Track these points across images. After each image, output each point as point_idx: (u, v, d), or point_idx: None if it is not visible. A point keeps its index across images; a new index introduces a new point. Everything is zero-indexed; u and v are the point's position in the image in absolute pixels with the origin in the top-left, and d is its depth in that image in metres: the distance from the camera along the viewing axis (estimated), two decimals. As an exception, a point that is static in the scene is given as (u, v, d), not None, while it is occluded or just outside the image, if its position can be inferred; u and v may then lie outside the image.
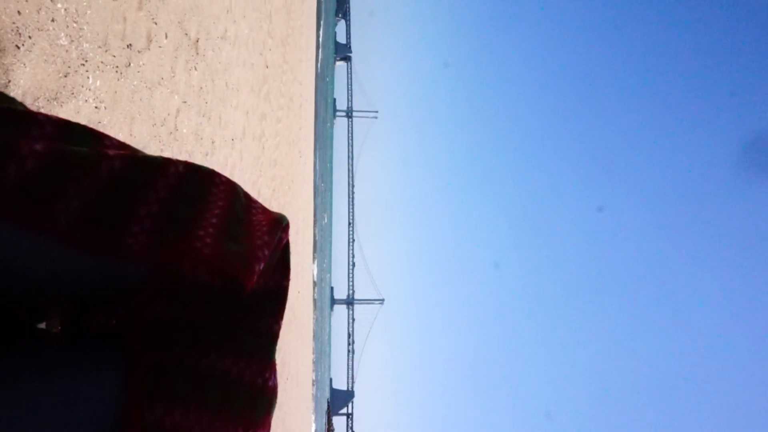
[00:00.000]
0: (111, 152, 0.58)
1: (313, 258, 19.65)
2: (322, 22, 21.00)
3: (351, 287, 41.13)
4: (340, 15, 42.35)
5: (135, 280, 0.62)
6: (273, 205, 8.58)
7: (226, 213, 0.65)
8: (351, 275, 41.06)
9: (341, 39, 42.68)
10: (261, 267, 0.62)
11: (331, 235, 37.50)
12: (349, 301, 41.07)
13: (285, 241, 0.74)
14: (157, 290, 0.64)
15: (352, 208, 41.11)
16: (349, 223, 41.03)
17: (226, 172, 4.45)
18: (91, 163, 0.56)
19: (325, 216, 32.47)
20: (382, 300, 42.16)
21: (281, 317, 0.72)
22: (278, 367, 0.73)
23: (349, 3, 43.01)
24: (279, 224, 0.71)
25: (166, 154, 2.70)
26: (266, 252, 0.64)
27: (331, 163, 35.85)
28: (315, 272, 20.35)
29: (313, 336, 21.64)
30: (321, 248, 26.58)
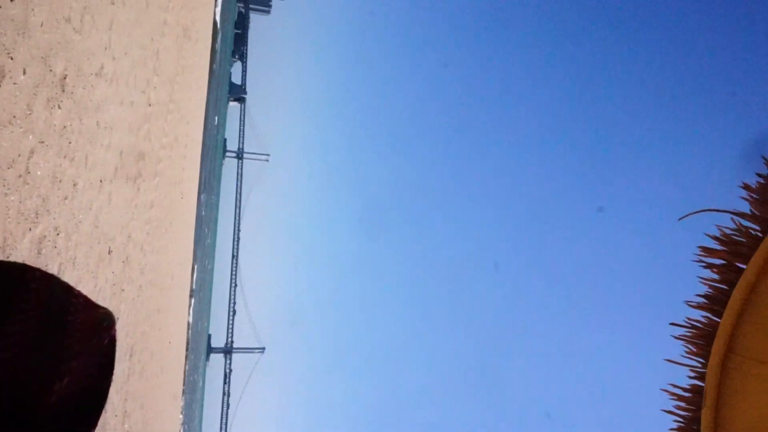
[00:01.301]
0: None
1: (189, 305, 18.46)
2: (216, 62, 20.66)
3: (230, 335, 39.05)
4: (236, 56, 42.04)
5: None
6: (146, 249, 8.00)
7: (31, 321, 0.59)
8: (231, 323, 39.07)
9: (237, 80, 42.23)
10: (64, 383, 0.57)
11: (212, 281, 35.62)
12: (227, 350, 38.85)
13: (107, 340, 0.69)
14: None
15: (237, 253, 39.62)
16: (233, 268, 39.39)
17: (89, 217, 4.10)
18: None
19: (207, 260, 30.88)
20: (263, 349, 40.44)
21: (95, 423, 0.67)
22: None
23: (246, 45, 42.94)
24: (99, 325, 0.67)
25: (11, 199, 2.41)
26: (73, 364, 0.59)
27: (217, 205, 34.53)
28: (190, 320, 19.08)
29: (184, 389, 20.04)
30: (199, 294, 25.09)
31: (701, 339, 3.10)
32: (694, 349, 3.14)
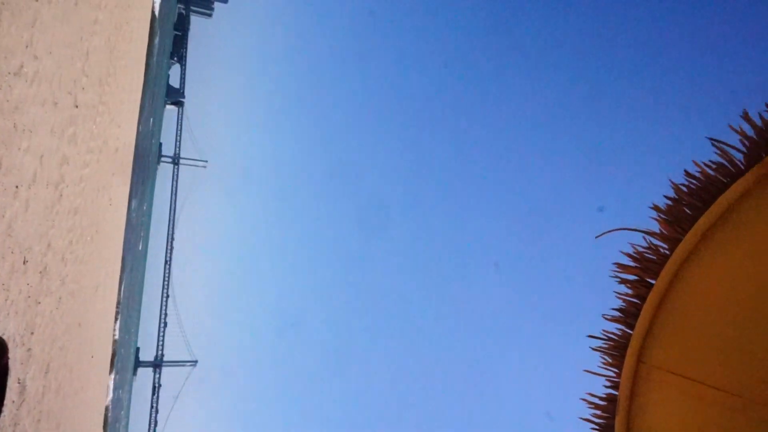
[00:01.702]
0: None
1: (116, 316, 17.55)
2: (152, 64, 19.93)
3: (160, 348, 37.36)
4: (175, 58, 40.76)
5: None
6: (68, 259, 7.55)
7: None
8: (161, 335, 37.40)
9: (175, 83, 40.89)
10: None
11: (142, 291, 34.01)
12: (157, 364, 37.12)
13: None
14: None
15: (170, 262, 38.08)
16: (165, 278, 37.81)
17: (1, 225, 3.83)
18: None
19: (137, 270, 29.48)
20: (195, 362, 38.94)
21: None
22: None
23: (186, 47, 41.73)
24: None
25: None
26: None
27: (150, 212, 33.11)
28: (116, 332, 18.13)
29: (108, 406, 18.94)
30: (127, 305, 23.89)
31: (616, 350, 3.29)
32: (610, 360, 3.33)
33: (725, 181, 2.75)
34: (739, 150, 2.72)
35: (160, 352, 37.47)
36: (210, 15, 43.72)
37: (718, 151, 2.77)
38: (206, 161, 42.90)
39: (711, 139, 2.76)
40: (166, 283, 38.01)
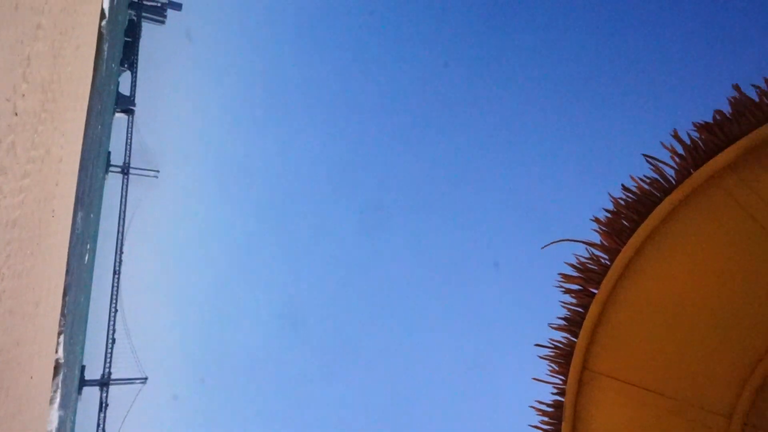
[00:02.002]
0: None
1: (59, 333, 16.71)
2: (100, 71, 19.29)
3: (108, 366, 35.79)
4: (125, 65, 39.60)
5: None
6: (5, 273, 7.16)
7: None
8: (109, 352, 35.85)
9: (126, 90, 39.68)
10: None
11: (88, 306, 32.54)
12: (104, 382, 35.54)
13: None
14: None
15: (119, 275, 36.67)
16: (113, 292, 36.35)
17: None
18: None
19: (83, 284, 28.24)
20: (145, 379, 37.49)
21: None
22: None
23: (137, 54, 40.64)
24: None
25: None
26: None
27: (97, 224, 31.82)
28: (60, 350, 17.27)
29: (50, 429, 17.93)
30: (72, 321, 22.82)
31: (561, 358, 3.40)
32: (556, 368, 3.44)
33: (658, 195, 2.91)
34: (670, 166, 2.88)
35: (107, 370, 35.89)
36: (163, 22, 42.76)
37: (652, 167, 2.93)
38: (158, 171, 41.71)
39: (645, 155, 2.92)
40: (114, 297, 36.55)
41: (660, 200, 2.92)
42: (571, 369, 3.33)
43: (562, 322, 3.39)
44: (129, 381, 37.31)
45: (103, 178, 36.07)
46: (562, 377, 3.41)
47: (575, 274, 3.29)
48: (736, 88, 2.64)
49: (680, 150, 2.84)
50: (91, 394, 35.57)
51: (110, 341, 36.07)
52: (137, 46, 40.01)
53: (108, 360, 36.01)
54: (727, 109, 2.73)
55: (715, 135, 2.69)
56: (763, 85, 2.57)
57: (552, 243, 3.27)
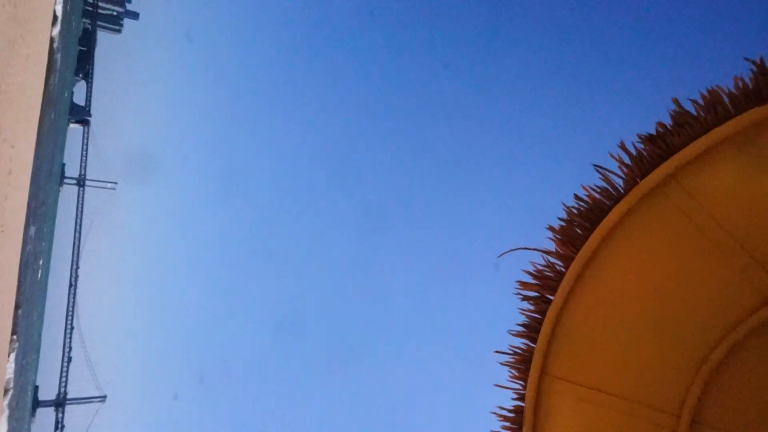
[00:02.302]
0: None
1: (10, 352, 15.98)
2: (53, 81, 18.68)
3: (64, 385, 34.32)
4: (80, 75, 38.43)
5: None
6: (-50, 293, 6.80)
7: None
8: (65, 371, 34.41)
9: (81, 101, 38.47)
10: None
11: (41, 324, 31.18)
12: (59, 402, 34.05)
13: None
14: None
15: (75, 291, 35.32)
16: (69, 308, 34.96)
17: None
18: None
19: (35, 301, 27.07)
20: (104, 397, 36.11)
21: None
22: None
23: (93, 63, 39.50)
24: None
25: None
26: None
27: (51, 238, 30.61)
28: (10, 371, 16.50)
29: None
30: (23, 340, 21.84)
31: (521, 364, 3.48)
32: (516, 374, 3.51)
33: (608, 203, 3.03)
34: (619, 176, 3.01)
35: (63, 389, 34.42)
36: (119, 31, 41.75)
37: (602, 177, 3.05)
38: (116, 182, 40.52)
39: (596, 165, 3.04)
40: (70, 313, 35.17)
41: (610, 209, 3.04)
42: (530, 374, 3.41)
43: (521, 329, 3.47)
44: (87, 400, 35.87)
45: (58, 191, 34.78)
46: (522, 382, 3.49)
47: (532, 281, 3.38)
48: (676, 102, 2.79)
49: (627, 160, 2.97)
50: (47, 415, 34.02)
51: (66, 359, 34.64)
52: (92, 55, 38.90)
53: (64, 379, 34.56)
54: (668, 122, 2.87)
55: (658, 146, 2.83)
56: (699, 100, 2.73)
57: (508, 251, 3.36)
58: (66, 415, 34.68)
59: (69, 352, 34.83)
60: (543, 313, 3.38)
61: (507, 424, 3.54)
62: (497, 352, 3.50)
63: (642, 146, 2.92)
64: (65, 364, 34.88)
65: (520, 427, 3.48)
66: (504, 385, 3.61)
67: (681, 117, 2.78)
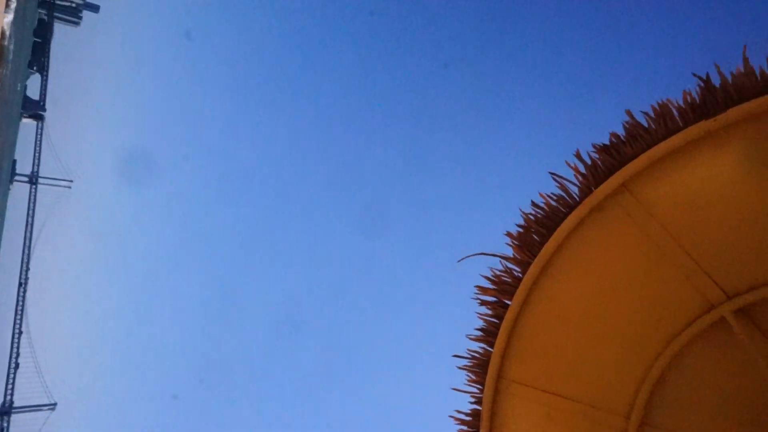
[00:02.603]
0: None
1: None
2: (4, 73, 17.93)
3: (10, 394, 32.79)
4: (35, 67, 36.97)
5: None
6: None
7: None
8: (12, 378, 32.89)
9: (34, 95, 36.99)
10: None
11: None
12: (5, 411, 32.52)
13: None
14: None
15: (24, 295, 33.84)
16: (18, 313, 33.46)
17: None
18: None
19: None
20: (54, 405, 34.67)
21: None
22: None
23: (48, 56, 38.05)
24: None
25: None
26: None
27: (-1, 236, 29.29)
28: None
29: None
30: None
31: (479, 367, 3.52)
32: (474, 377, 3.56)
33: (564, 211, 3.10)
34: (574, 184, 3.09)
35: (9, 397, 32.88)
36: (78, 23, 40.34)
37: (558, 185, 3.12)
38: (71, 180, 39.07)
39: (552, 173, 3.11)
40: (18, 318, 33.66)
41: (565, 216, 3.11)
42: (488, 378, 3.45)
43: (479, 333, 3.51)
44: (35, 408, 34.35)
45: (8, 189, 33.27)
46: (479, 386, 3.53)
47: (490, 286, 3.43)
48: (629, 113, 2.89)
49: (582, 169, 3.05)
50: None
51: (13, 366, 33.11)
52: (48, 48, 37.49)
53: (10, 386, 33.01)
54: (622, 133, 2.97)
55: (612, 156, 2.92)
56: (650, 112, 2.83)
57: (467, 257, 3.40)
58: (12, 424, 33.12)
59: (17, 357, 33.33)
60: (500, 317, 3.43)
61: (464, 427, 3.58)
62: (455, 356, 3.54)
63: (597, 156, 3.01)
64: (12, 370, 33.35)
65: (477, 429, 3.52)
66: (463, 389, 3.65)
67: (633, 128, 2.87)
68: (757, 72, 2.58)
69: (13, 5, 17.33)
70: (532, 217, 3.24)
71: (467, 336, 3.54)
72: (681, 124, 2.75)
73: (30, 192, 36.31)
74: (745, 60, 2.63)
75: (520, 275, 3.35)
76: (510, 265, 3.38)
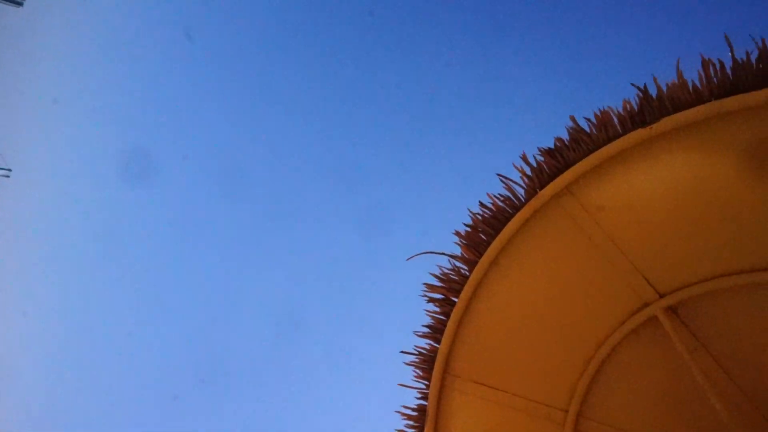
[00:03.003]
0: None
1: None
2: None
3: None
4: (-29, 49, 34.78)
5: None
6: None
7: None
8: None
9: (-31, 77, 34.77)
10: None
11: None
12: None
13: None
14: None
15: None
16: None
17: None
18: None
19: None
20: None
21: None
22: None
23: (-13, 38, 35.87)
24: None
25: None
26: None
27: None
28: None
29: None
30: None
31: (426, 364, 3.59)
32: (421, 373, 3.62)
33: (510, 212, 3.20)
34: (520, 186, 3.19)
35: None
36: (21, 4, 38.18)
37: (505, 186, 3.22)
38: (10, 169, 36.92)
39: (499, 175, 3.20)
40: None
41: (511, 216, 3.21)
42: (434, 374, 3.52)
43: (427, 330, 3.58)
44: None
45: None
46: (426, 382, 3.60)
47: (438, 284, 3.50)
48: (572, 119, 3.01)
49: (529, 172, 3.16)
50: None
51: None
52: (-13, 28, 35.32)
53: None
54: (566, 137, 3.09)
55: (556, 159, 3.04)
56: (593, 119, 2.96)
57: (416, 255, 3.45)
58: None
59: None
60: (447, 314, 3.50)
61: (410, 422, 3.64)
62: (403, 352, 3.59)
63: (542, 159, 3.12)
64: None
65: (423, 425, 3.59)
66: (409, 385, 3.71)
67: (576, 134, 2.99)
68: (690, 85, 2.74)
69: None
70: (479, 216, 3.32)
71: (415, 333, 3.60)
72: (620, 130, 2.89)
73: (-37, 181, 34.15)
74: (679, 73, 2.78)
75: (467, 273, 3.43)
76: (458, 264, 3.45)
